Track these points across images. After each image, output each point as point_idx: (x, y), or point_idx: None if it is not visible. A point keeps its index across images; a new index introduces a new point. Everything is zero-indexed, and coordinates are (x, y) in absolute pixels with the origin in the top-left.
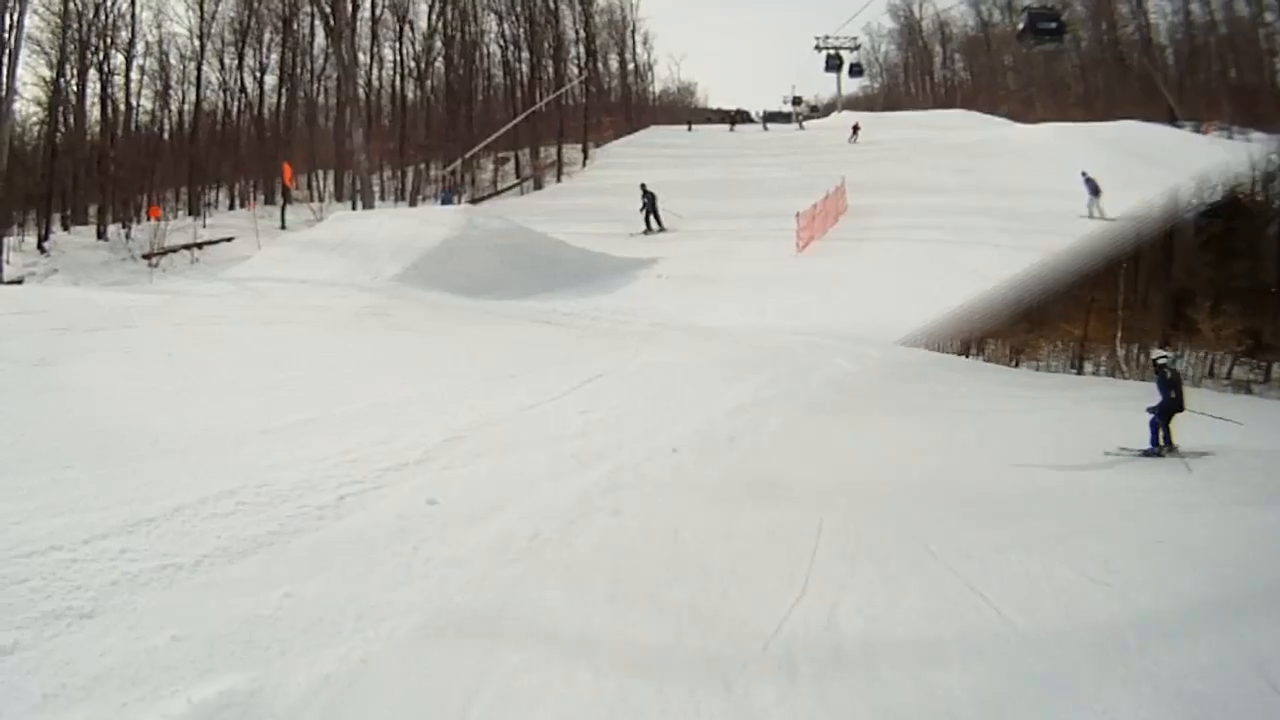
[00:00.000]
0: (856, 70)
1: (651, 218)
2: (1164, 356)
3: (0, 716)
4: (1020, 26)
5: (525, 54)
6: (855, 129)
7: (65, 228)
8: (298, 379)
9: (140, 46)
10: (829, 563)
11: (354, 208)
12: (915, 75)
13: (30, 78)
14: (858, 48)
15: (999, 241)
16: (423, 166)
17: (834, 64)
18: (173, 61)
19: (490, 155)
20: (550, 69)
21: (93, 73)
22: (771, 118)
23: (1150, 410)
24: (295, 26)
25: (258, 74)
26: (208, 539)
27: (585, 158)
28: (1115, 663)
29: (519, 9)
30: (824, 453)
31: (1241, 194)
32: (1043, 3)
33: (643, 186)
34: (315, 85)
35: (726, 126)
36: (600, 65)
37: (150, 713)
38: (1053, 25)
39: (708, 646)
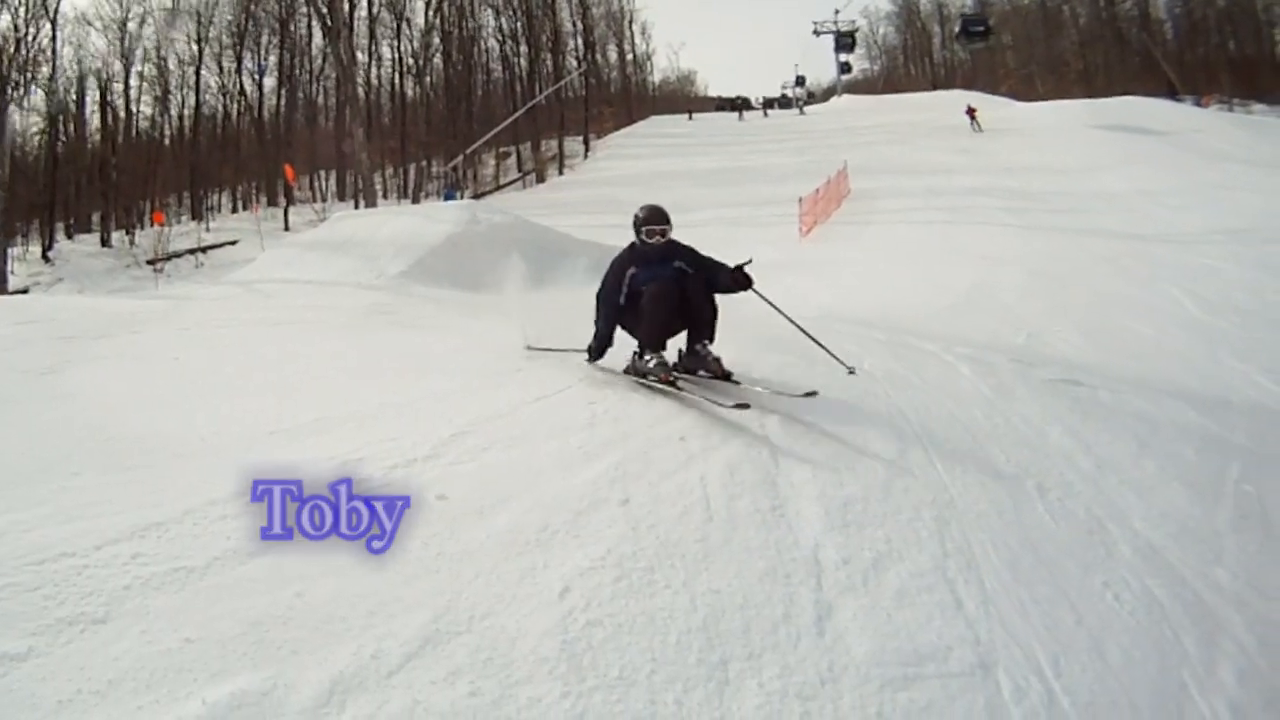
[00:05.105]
0: (845, 68)
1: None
2: None
3: None
4: (956, 30)
5: (524, 48)
6: (971, 113)
7: (69, 236)
8: (306, 379)
9: (139, 52)
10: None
11: (356, 207)
12: (915, 57)
13: None
14: (855, 31)
15: (1005, 221)
16: (424, 163)
17: (844, 43)
18: (171, 67)
19: (491, 150)
20: (549, 62)
21: (92, 80)
22: (772, 104)
23: None
24: (292, 27)
25: (256, 76)
26: (218, 541)
27: (587, 150)
28: None
29: (516, 2)
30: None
31: None
32: (973, 10)
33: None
34: (314, 85)
35: (734, 115)
36: (599, 57)
37: (166, 715)
38: (981, 29)
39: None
